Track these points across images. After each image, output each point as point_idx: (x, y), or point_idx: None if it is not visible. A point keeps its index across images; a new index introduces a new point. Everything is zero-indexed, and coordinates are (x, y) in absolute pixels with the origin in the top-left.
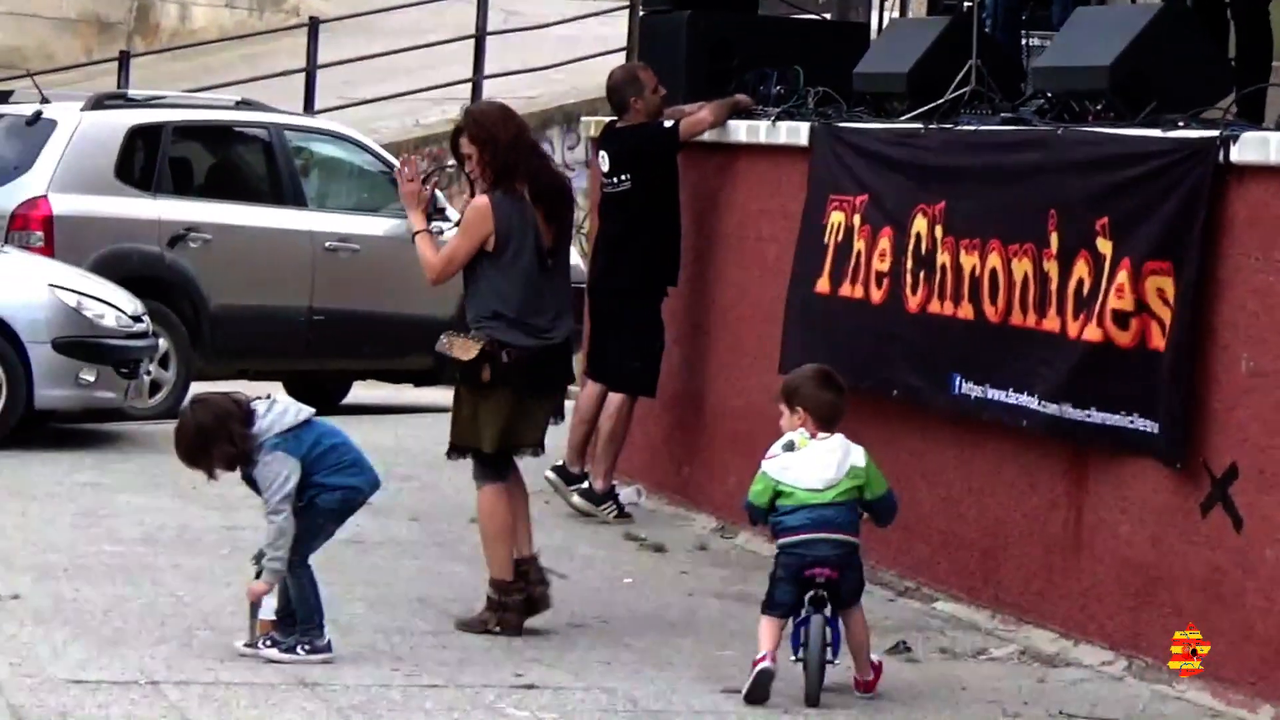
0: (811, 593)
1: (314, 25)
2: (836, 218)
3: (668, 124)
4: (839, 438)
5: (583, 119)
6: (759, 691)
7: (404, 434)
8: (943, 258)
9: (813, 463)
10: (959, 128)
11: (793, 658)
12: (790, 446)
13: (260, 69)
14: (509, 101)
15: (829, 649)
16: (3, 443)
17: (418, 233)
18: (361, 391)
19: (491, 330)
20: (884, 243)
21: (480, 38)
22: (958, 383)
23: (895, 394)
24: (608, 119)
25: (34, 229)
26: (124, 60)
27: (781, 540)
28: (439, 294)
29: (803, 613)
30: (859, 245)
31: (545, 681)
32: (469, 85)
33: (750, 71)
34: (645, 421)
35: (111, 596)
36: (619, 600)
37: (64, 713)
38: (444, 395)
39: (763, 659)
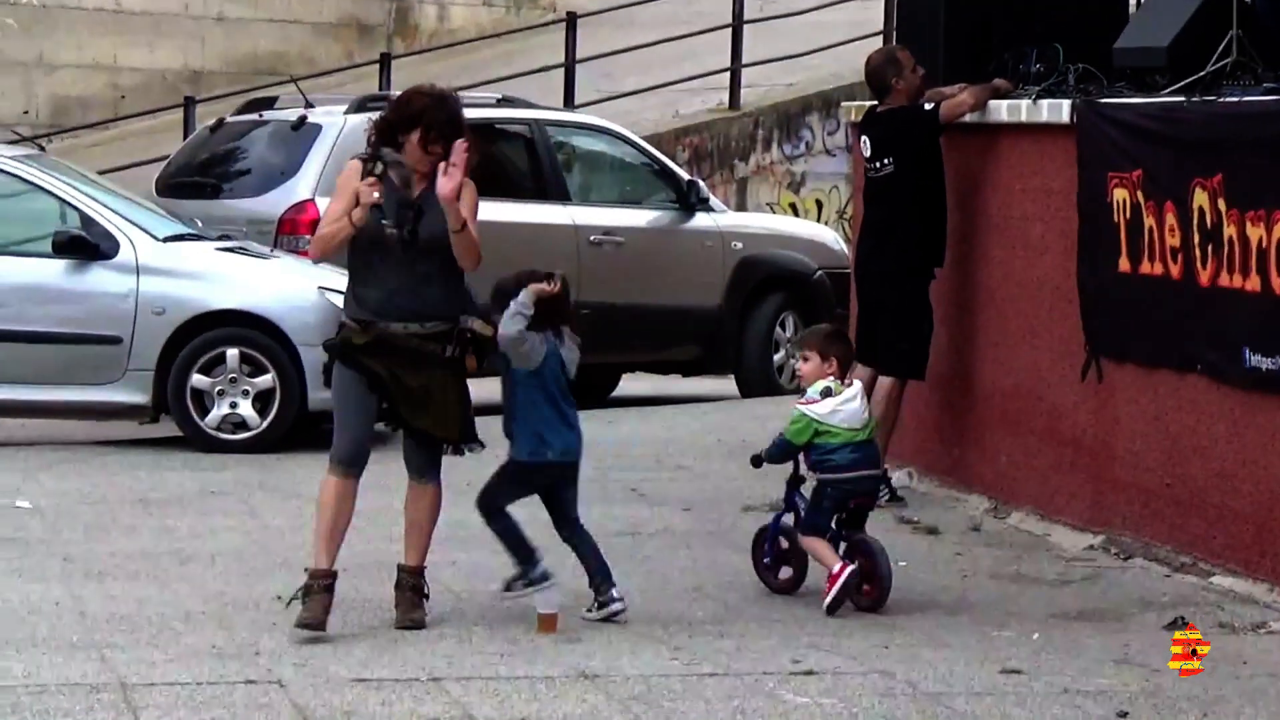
0: (843, 515)
1: (571, 20)
2: (1120, 194)
3: (928, 106)
4: (859, 383)
5: (842, 104)
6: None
7: (675, 425)
8: (1229, 230)
9: (852, 406)
10: (1222, 99)
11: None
12: (828, 392)
13: (519, 65)
14: (767, 89)
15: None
16: (277, 445)
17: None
18: (630, 384)
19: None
20: (1170, 218)
21: (737, 26)
22: (1248, 356)
23: (1199, 369)
24: (867, 103)
25: (302, 233)
26: (384, 62)
27: (831, 475)
28: (704, 285)
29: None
30: (1149, 221)
31: (823, 667)
32: (727, 74)
33: (1009, 50)
34: (915, 404)
35: (390, 595)
36: (896, 584)
37: (349, 711)
38: (713, 385)
39: (844, 566)
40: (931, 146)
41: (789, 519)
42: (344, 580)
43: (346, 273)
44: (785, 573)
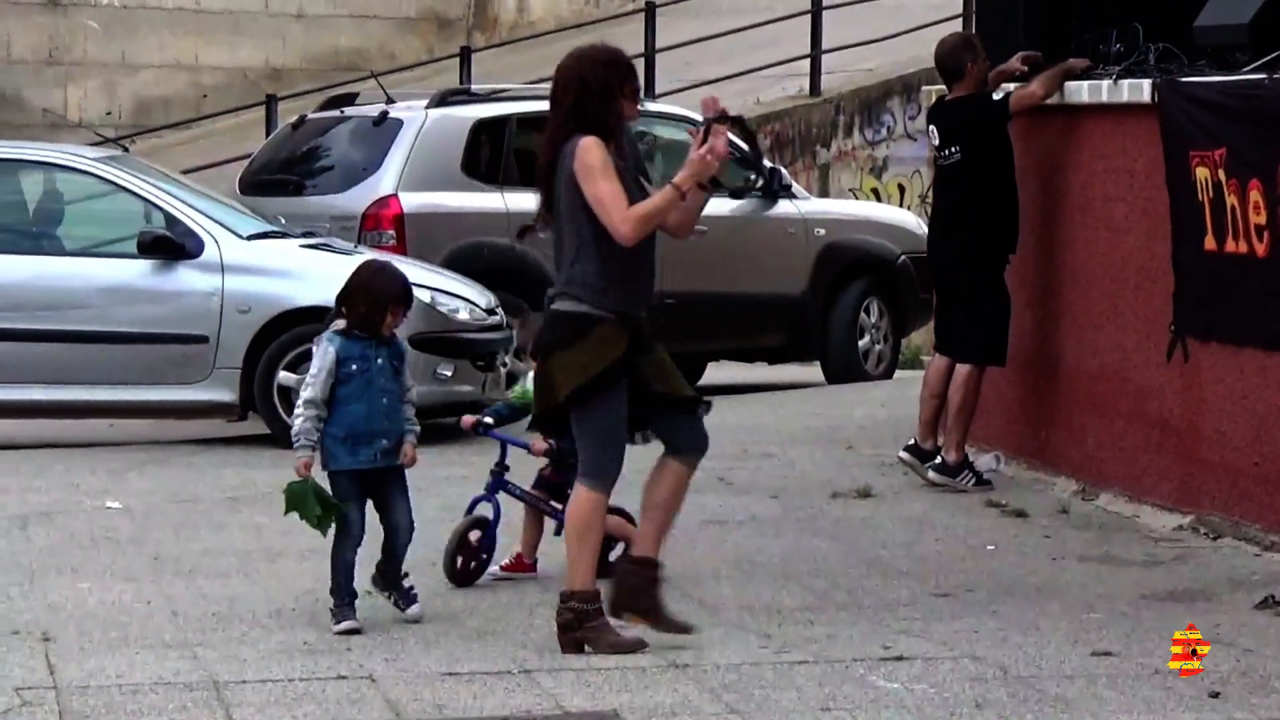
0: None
1: (651, 9)
2: (1202, 173)
3: (998, 96)
4: None
5: (923, 88)
6: None
7: (761, 412)
8: None
9: None
10: None
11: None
12: None
13: None
14: (848, 74)
15: None
16: None
17: None
18: (715, 372)
19: None
20: (1255, 195)
21: (817, 12)
22: None
23: None
24: (941, 91)
25: (385, 228)
26: (464, 56)
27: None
28: (788, 272)
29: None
30: (1231, 200)
31: (914, 652)
32: (808, 61)
33: (1089, 31)
34: (1001, 386)
35: (479, 588)
36: (983, 568)
37: (440, 704)
38: (798, 372)
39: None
40: (1000, 136)
41: (487, 509)
42: (429, 574)
43: (429, 267)
44: (468, 564)
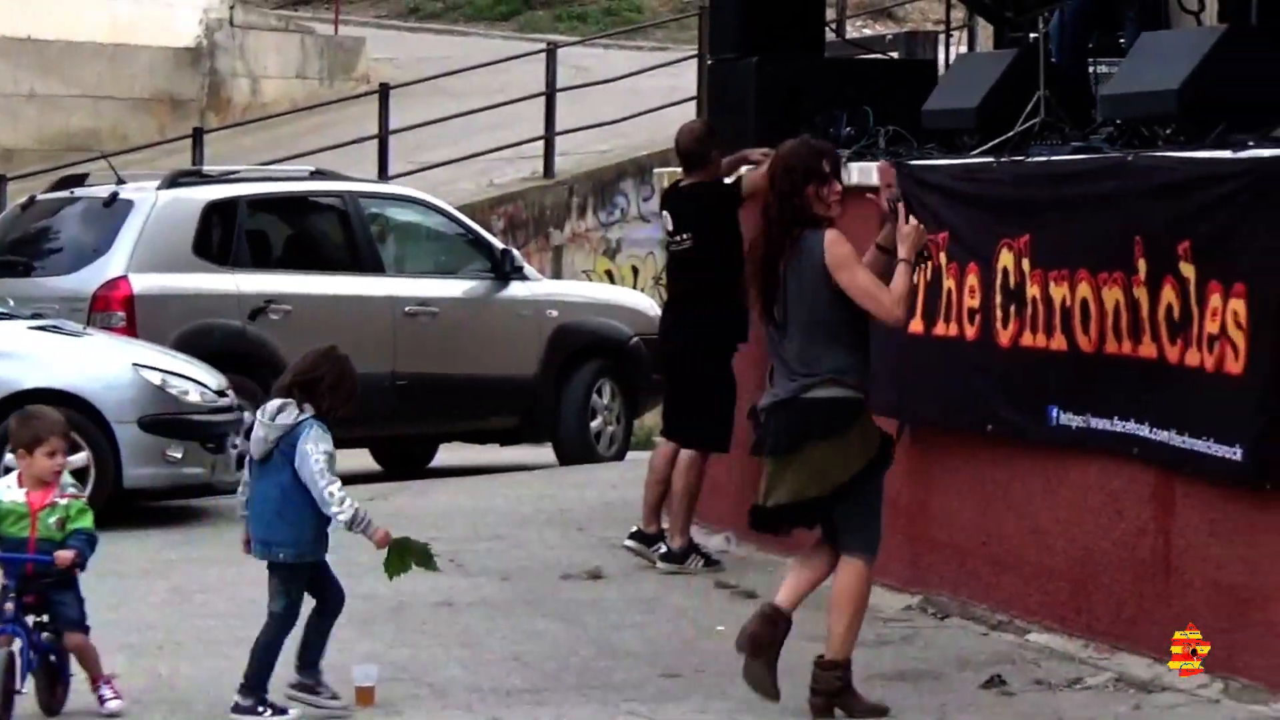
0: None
1: (384, 91)
2: None
3: (729, 181)
4: None
5: (655, 170)
6: None
7: (492, 494)
8: (1032, 290)
9: None
10: (1030, 159)
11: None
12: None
13: (332, 138)
14: (582, 156)
15: None
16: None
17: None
18: (447, 454)
19: None
20: (972, 279)
21: (550, 95)
22: (1055, 414)
23: (990, 429)
24: (679, 169)
25: (115, 309)
26: (197, 137)
27: None
28: (520, 354)
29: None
30: (949, 283)
31: None
32: (541, 143)
33: (820, 114)
34: (733, 467)
35: (209, 671)
36: (713, 649)
37: None
38: (530, 454)
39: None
40: (730, 220)
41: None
42: (157, 658)
43: (159, 349)
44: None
